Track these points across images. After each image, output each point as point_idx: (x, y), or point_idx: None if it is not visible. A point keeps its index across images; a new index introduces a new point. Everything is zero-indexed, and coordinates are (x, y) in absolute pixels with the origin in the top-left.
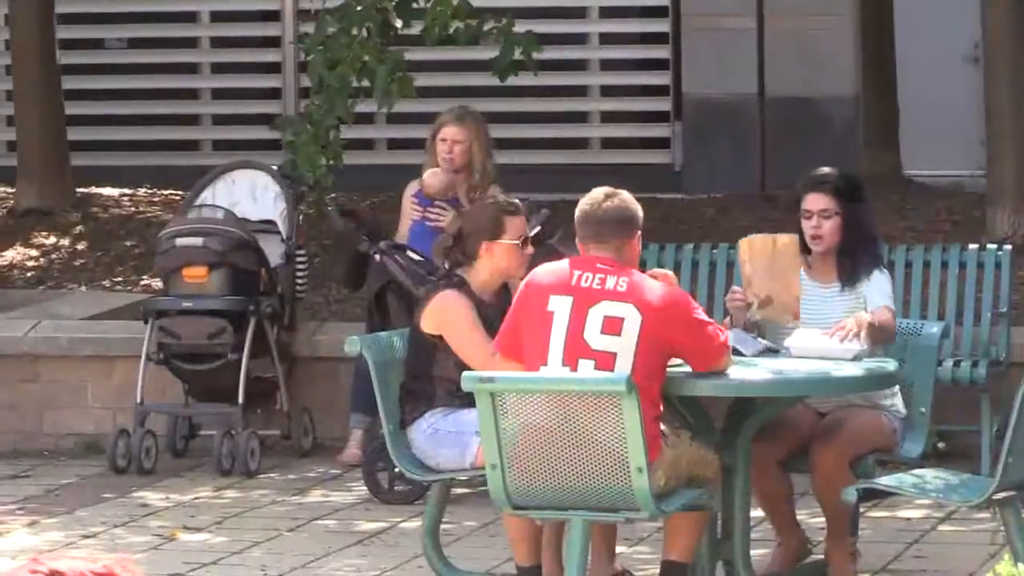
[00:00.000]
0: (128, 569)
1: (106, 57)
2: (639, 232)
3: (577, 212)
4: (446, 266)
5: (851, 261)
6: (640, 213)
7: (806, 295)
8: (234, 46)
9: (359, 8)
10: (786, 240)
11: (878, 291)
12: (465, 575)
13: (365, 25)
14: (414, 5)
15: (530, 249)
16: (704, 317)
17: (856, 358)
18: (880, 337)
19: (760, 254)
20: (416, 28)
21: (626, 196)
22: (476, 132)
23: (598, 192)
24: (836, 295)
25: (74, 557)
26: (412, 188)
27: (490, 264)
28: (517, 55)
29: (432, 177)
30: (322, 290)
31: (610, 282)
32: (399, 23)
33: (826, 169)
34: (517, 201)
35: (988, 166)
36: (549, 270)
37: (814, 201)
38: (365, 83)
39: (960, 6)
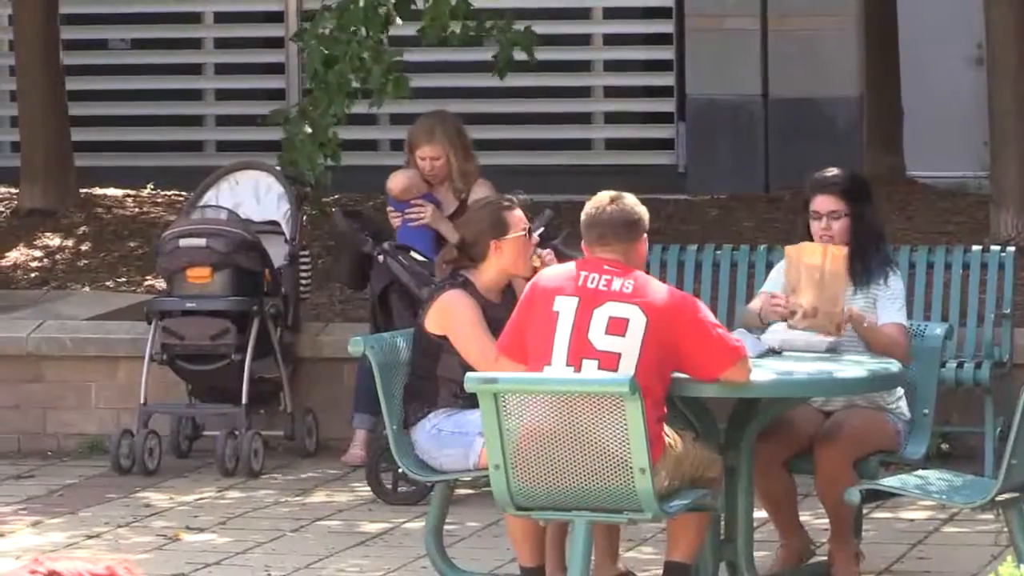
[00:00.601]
0: (129, 570)
1: (110, 58)
2: (645, 235)
3: (583, 215)
4: (449, 274)
5: (862, 262)
6: (646, 216)
7: None
8: (238, 47)
9: (360, 4)
10: (837, 252)
11: (891, 305)
12: None
13: (363, 25)
14: (413, 6)
15: (536, 239)
16: (712, 320)
17: (830, 350)
18: (889, 351)
19: (810, 264)
20: (414, 28)
21: (631, 200)
22: (449, 143)
23: (603, 195)
24: (848, 296)
25: (74, 558)
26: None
27: (498, 263)
28: (517, 54)
29: (392, 182)
30: (326, 291)
31: (616, 283)
32: (399, 21)
33: (833, 170)
34: (511, 196)
35: (992, 167)
36: (556, 272)
37: (823, 203)
38: (363, 82)
39: (964, 7)
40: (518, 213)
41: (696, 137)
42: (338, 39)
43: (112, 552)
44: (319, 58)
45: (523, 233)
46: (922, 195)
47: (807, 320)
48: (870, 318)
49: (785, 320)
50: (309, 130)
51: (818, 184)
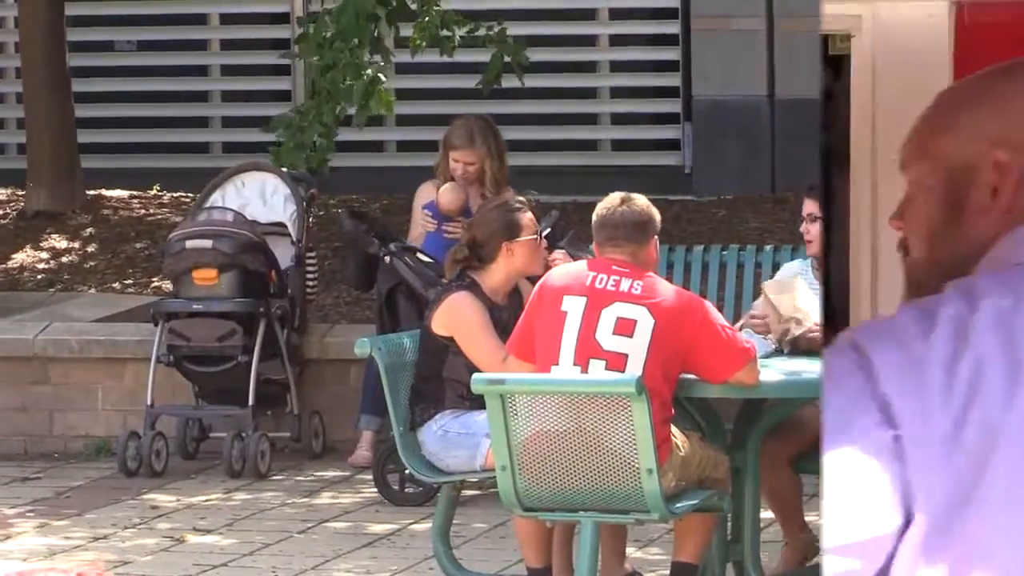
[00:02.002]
0: (100, 574)
1: (116, 59)
2: (655, 237)
3: (594, 216)
4: (456, 275)
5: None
6: (657, 218)
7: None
8: (244, 48)
9: (353, 14)
10: (791, 270)
11: None
12: None
13: (355, 36)
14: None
15: (544, 243)
16: (722, 321)
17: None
18: None
19: (779, 291)
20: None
21: (642, 201)
22: (487, 149)
23: (614, 196)
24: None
25: (48, 569)
26: (423, 196)
27: (507, 265)
28: (507, 59)
29: (446, 198)
30: (332, 292)
31: (625, 284)
32: (389, 31)
33: None
34: (521, 198)
35: None
36: (565, 272)
37: (806, 205)
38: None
39: None
40: (529, 216)
41: (702, 138)
42: (334, 46)
43: (117, 555)
44: (316, 68)
45: (535, 236)
46: None
47: (801, 327)
48: None
49: (782, 348)
50: (300, 136)
51: (808, 187)
